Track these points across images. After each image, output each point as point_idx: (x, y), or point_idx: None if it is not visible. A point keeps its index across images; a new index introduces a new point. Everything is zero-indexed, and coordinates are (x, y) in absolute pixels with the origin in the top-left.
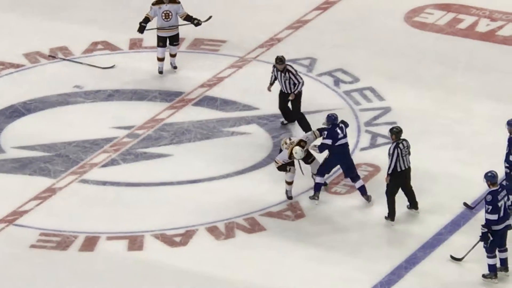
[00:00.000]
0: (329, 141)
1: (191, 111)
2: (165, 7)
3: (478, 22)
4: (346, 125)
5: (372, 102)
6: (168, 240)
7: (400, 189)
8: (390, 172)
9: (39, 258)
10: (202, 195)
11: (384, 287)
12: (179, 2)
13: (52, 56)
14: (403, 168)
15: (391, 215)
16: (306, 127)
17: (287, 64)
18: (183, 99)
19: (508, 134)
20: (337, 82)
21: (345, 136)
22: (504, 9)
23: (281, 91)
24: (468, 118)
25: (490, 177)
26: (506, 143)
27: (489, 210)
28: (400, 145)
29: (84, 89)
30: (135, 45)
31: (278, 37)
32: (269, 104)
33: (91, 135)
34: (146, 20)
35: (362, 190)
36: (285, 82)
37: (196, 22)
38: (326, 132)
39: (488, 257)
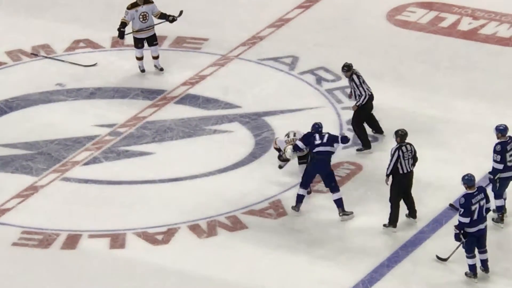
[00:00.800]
0: (300, 144)
1: (173, 109)
2: (142, 9)
3: (460, 20)
4: (333, 137)
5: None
6: (150, 238)
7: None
8: (388, 173)
9: (21, 256)
10: (184, 193)
11: (366, 286)
12: (152, 2)
13: (34, 54)
14: (405, 171)
15: (392, 222)
16: (365, 142)
17: (355, 73)
18: (165, 97)
19: (496, 139)
20: (319, 80)
21: (324, 144)
22: (486, 7)
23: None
24: (450, 117)
25: (467, 180)
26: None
27: (461, 213)
28: (403, 148)
29: (66, 87)
30: (117, 43)
31: (260, 35)
32: (251, 102)
33: (73, 133)
34: (124, 25)
35: (338, 203)
36: (351, 90)
37: (172, 19)
38: (303, 135)
39: (467, 257)
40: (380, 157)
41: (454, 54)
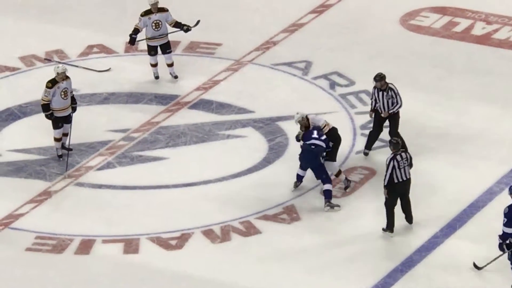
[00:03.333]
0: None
1: (187, 114)
2: (155, 16)
3: (473, 25)
4: (329, 140)
5: (368, 105)
6: (163, 243)
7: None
8: (385, 184)
9: (35, 261)
10: (198, 198)
11: None
12: (167, 10)
13: (47, 59)
14: (400, 180)
15: (389, 227)
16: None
17: (389, 82)
18: (178, 102)
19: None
20: (332, 85)
21: (320, 140)
22: (500, 12)
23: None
24: (463, 121)
25: None
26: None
27: (505, 222)
28: (398, 157)
29: (80, 92)
30: (130, 48)
31: (273, 40)
32: (265, 108)
33: (87, 138)
34: (136, 31)
35: (326, 194)
36: (387, 101)
37: (186, 28)
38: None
39: None
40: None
41: (468, 59)
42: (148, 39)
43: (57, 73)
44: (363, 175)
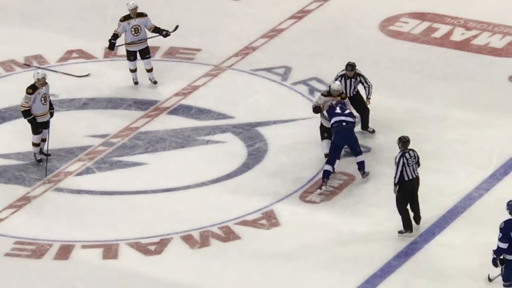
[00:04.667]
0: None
1: (166, 120)
2: (134, 22)
3: (453, 31)
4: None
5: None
6: (143, 248)
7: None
8: (396, 182)
9: (14, 267)
10: (177, 204)
11: None
12: (146, 15)
13: (27, 65)
14: (410, 178)
15: (407, 227)
16: (365, 124)
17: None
18: (158, 107)
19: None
20: (312, 91)
21: (345, 115)
22: (479, 18)
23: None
24: (443, 127)
25: (510, 207)
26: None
27: (500, 237)
28: (407, 155)
29: (59, 97)
30: (110, 53)
31: (253, 45)
32: (244, 113)
33: (66, 143)
34: (115, 36)
35: (361, 166)
36: (355, 86)
37: (165, 33)
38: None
39: (504, 285)
40: (373, 167)
41: (447, 65)
42: (127, 44)
43: (37, 79)
44: (342, 180)
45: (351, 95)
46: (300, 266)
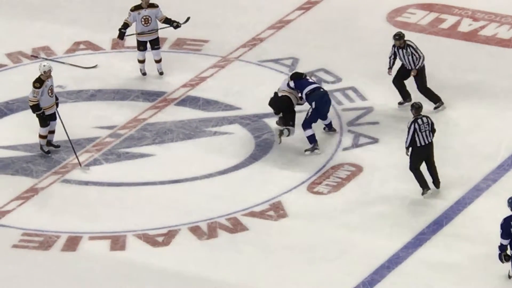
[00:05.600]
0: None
1: (174, 111)
2: (144, 12)
3: (460, 22)
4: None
5: (355, 102)
6: (150, 240)
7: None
8: (407, 145)
9: (22, 258)
10: (185, 195)
11: (366, 287)
12: (157, 6)
13: (34, 56)
14: (423, 144)
15: (424, 186)
16: (433, 98)
17: (407, 40)
18: (165, 99)
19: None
20: (319, 82)
21: (317, 83)
22: (487, 9)
23: (402, 66)
24: (450, 118)
25: (511, 204)
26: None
27: (500, 234)
28: (419, 121)
29: (67, 89)
30: (117, 45)
31: (260, 37)
32: (251, 104)
33: (74, 135)
34: (125, 25)
35: (329, 126)
36: (408, 58)
37: (176, 25)
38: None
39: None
40: (381, 158)
41: (454, 56)
42: (137, 34)
43: (44, 72)
44: (350, 171)
45: (410, 67)
46: (308, 257)
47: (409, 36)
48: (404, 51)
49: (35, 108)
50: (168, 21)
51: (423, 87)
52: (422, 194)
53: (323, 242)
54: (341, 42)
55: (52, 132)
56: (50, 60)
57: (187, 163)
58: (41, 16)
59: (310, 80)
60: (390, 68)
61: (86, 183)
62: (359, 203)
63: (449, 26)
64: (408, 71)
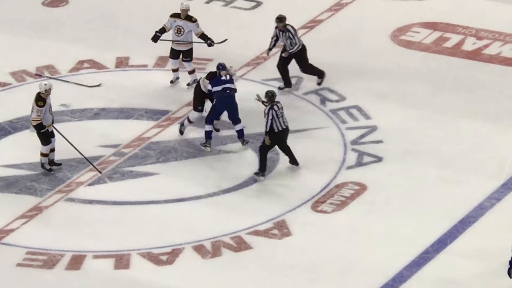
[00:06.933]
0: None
1: (178, 130)
2: (179, 22)
3: (464, 40)
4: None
5: (359, 120)
6: (154, 258)
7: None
8: (266, 131)
9: (26, 277)
10: (189, 214)
11: None
12: (194, 21)
13: (38, 75)
14: (280, 129)
15: (262, 170)
16: (318, 72)
17: (288, 24)
18: (169, 117)
19: None
20: (323, 100)
21: (230, 82)
22: (490, 27)
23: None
24: (454, 137)
25: None
26: None
27: None
28: (275, 107)
29: (71, 107)
30: (121, 63)
31: (264, 55)
32: (255, 123)
33: (78, 153)
34: (162, 30)
35: (241, 133)
36: (287, 41)
37: (209, 43)
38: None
39: None
40: (385, 177)
41: (458, 74)
42: (172, 41)
43: (45, 90)
44: (354, 190)
45: (289, 50)
46: (312, 276)
47: (413, 55)
48: (284, 34)
49: (40, 127)
50: (203, 37)
51: (305, 68)
52: (256, 174)
53: (327, 261)
54: (345, 61)
55: (52, 150)
56: (54, 79)
57: (191, 182)
58: (45, 35)
59: (223, 78)
60: (270, 49)
61: (90, 201)
62: (363, 221)
63: (453, 45)
64: (291, 56)
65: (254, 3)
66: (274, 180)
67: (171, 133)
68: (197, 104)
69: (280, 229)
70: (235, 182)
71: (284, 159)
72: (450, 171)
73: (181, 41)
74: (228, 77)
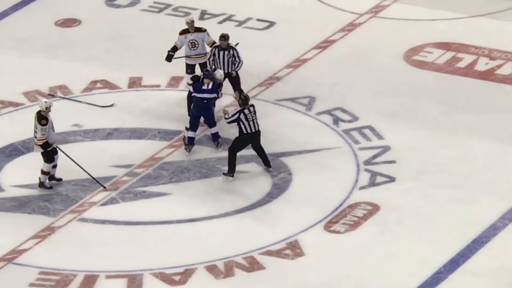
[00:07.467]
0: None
1: (191, 150)
2: (191, 36)
3: (477, 61)
4: (216, 86)
5: (371, 140)
6: (167, 278)
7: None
8: (228, 121)
9: None
10: (201, 234)
11: None
12: (204, 30)
13: (51, 95)
14: (249, 131)
15: (231, 171)
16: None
17: (230, 43)
18: (182, 138)
19: None
20: (336, 120)
21: (209, 91)
22: (503, 48)
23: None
24: (466, 157)
25: None
26: None
27: None
28: (245, 111)
29: (83, 127)
30: (134, 83)
31: (277, 75)
32: (268, 143)
33: (91, 173)
34: (174, 49)
35: (216, 136)
36: (229, 59)
37: None
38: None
39: None
40: (397, 197)
41: (471, 95)
42: (186, 57)
43: (46, 108)
44: (367, 210)
45: (228, 69)
46: None
47: (425, 75)
48: (227, 52)
49: (46, 145)
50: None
51: (238, 88)
52: (225, 175)
53: (340, 281)
54: (358, 81)
55: (54, 166)
56: (67, 99)
57: (204, 202)
58: (58, 55)
59: (204, 88)
60: (214, 69)
61: (103, 221)
62: (376, 242)
63: (466, 65)
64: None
65: (266, 24)
66: (286, 200)
67: (183, 153)
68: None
69: (293, 249)
70: (247, 202)
71: (297, 179)
72: (462, 191)
73: (197, 55)
74: (210, 86)
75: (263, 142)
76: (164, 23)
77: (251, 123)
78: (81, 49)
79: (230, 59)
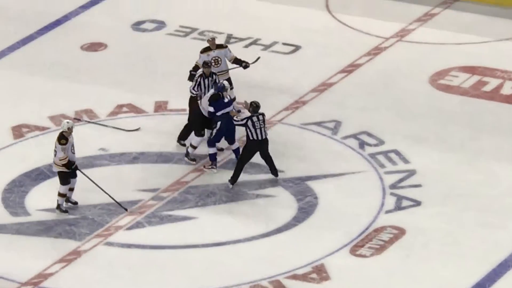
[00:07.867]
0: (212, 109)
1: (216, 174)
2: (213, 53)
3: (503, 84)
4: (231, 99)
5: (397, 164)
6: None
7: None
8: (238, 123)
9: None
10: (228, 258)
11: None
12: (226, 47)
13: (77, 119)
14: (256, 138)
15: (233, 179)
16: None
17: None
18: (208, 161)
19: None
20: (362, 144)
21: (229, 104)
22: None
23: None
24: (493, 181)
25: None
26: None
27: None
28: (253, 118)
29: (109, 151)
30: (160, 107)
31: (303, 99)
32: (294, 167)
33: (116, 197)
34: (196, 68)
35: (237, 152)
36: (213, 85)
37: (245, 65)
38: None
39: None
40: (423, 221)
41: (497, 118)
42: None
43: (68, 128)
44: (393, 234)
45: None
46: None
47: (451, 98)
48: (210, 79)
49: (69, 164)
50: (237, 61)
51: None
52: (229, 181)
53: None
54: (384, 105)
55: (71, 189)
56: (93, 123)
57: (230, 226)
58: (84, 79)
59: (226, 101)
60: (201, 97)
61: (129, 246)
62: (402, 266)
63: (491, 89)
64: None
65: (293, 47)
66: (312, 224)
67: (209, 177)
68: (198, 129)
69: (319, 273)
70: (273, 226)
71: (323, 203)
72: (488, 215)
73: (220, 71)
74: (228, 98)
75: (289, 165)
76: (190, 47)
77: (258, 130)
78: (107, 73)
79: (214, 85)
